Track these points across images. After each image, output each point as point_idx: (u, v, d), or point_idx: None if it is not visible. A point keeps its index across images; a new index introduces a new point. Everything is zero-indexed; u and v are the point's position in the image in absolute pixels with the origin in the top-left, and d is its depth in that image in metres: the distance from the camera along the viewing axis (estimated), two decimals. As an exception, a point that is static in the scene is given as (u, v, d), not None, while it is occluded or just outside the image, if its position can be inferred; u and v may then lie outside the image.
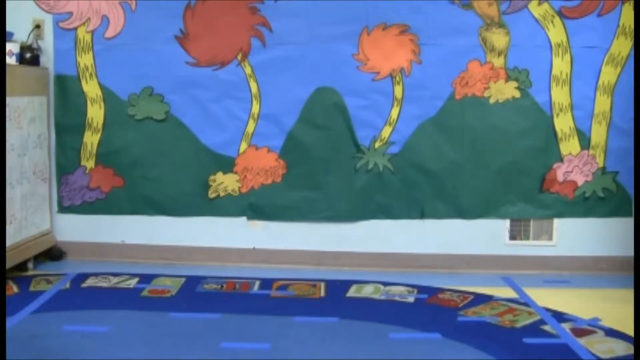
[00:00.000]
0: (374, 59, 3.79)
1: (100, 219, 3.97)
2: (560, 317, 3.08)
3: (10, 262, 3.39)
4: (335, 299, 3.34)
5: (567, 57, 3.75)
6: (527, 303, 3.28)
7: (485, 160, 3.84)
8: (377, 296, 3.39)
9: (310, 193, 3.91)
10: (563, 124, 3.81)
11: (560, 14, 3.74)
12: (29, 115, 3.63)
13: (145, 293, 3.38)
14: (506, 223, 3.91)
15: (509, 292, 3.47)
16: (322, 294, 3.42)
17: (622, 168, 3.83)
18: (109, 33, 3.82)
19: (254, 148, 3.89)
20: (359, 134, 3.85)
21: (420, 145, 3.82)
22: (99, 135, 3.89)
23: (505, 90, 3.79)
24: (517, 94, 3.79)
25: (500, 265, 3.86)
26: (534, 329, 2.95)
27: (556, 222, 3.90)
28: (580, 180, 3.85)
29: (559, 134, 3.82)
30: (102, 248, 3.97)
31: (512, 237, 3.93)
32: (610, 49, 3.75)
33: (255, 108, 3.86)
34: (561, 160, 3.84)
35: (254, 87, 3.84)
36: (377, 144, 3.85)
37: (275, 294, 3.41)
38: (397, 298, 3.36)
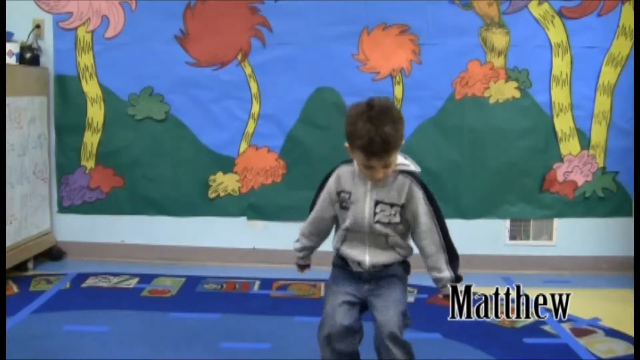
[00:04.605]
0: (374, 59, 3.79)
1: (100, 219, 3.97)
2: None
3: (10, 262, 3.39)
4: (335, 299, 3.33)
5: (567, 57, 3.75)
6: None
7: (485, 160, 3.84)
8: (377, 296, 3.38)
9: (310, 193, 3.80)
10: (563, 124, 3.81)
11: (560, 14, 3.74)
12: (29, 115, 3.63)
13: (145, 293, 3.38)
14: (506, 223, 3.91)
15: (509, 292, 3.47)
16: (322, 294, 3.41)
17: (622, 168, 3.83)
18: (109, 33, 3.82)
19: (254, 148, 3.89)
20: (359, 134, 3.84)
21: (420, 145, 3.81)
22: (99, 135, 3.89)
23: (505, 91, 3.79)
24: (517, 94, 3.79)
25: (500, 265, 3.86)
26: (534, 329, 2.95)
27: (556, 222, 3.90)
28: (580, 180, 3.85)
29: (559, 134, 3.82)
30: (102, 248, 3.96)
31: (512, 237, 3.93)
32: (610, 49, 3.75)
33: (255, 108, 3.85)
34: (561, 160, 3.84)
35: (254, 87, 3.84)
36: (377, 144, 3.84)
37: (275, 294, 3.41)
38: (397, 298, 3.35)
